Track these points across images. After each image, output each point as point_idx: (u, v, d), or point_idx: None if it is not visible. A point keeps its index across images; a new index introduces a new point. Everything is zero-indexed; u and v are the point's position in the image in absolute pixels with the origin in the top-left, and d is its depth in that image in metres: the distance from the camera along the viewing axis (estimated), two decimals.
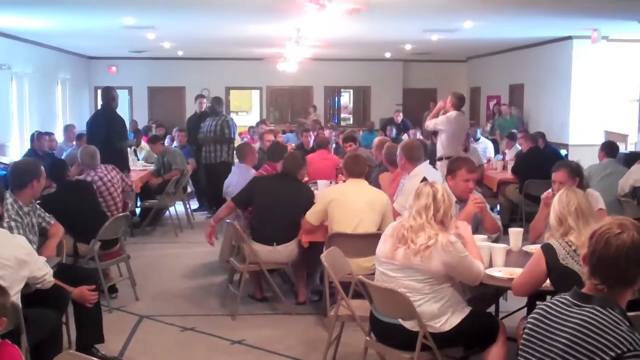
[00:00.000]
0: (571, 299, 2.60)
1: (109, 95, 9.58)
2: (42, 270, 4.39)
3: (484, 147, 13.03)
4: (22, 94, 15.66)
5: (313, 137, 12.24)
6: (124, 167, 9.08)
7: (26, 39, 15.53)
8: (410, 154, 6.65)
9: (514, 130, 13.54)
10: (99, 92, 9.73)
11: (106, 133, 9.28)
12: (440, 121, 9.76)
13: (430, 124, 10.00)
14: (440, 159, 9.59)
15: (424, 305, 4.14)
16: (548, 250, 3.86)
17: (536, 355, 2.58)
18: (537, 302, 2.81)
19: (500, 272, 4.44)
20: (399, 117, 17.50)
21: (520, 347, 2.67)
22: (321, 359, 5.20)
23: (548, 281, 3.94)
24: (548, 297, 2.85)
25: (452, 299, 4.20)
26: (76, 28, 14.09)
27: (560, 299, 2.64)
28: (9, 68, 14.69)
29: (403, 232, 4.22)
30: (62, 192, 6.68)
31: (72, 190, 6.74)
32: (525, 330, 2.66)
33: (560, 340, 2.51)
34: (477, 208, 5.34)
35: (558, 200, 4.06)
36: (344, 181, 7.14)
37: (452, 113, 9.76)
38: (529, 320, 2.68)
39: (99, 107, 10.23)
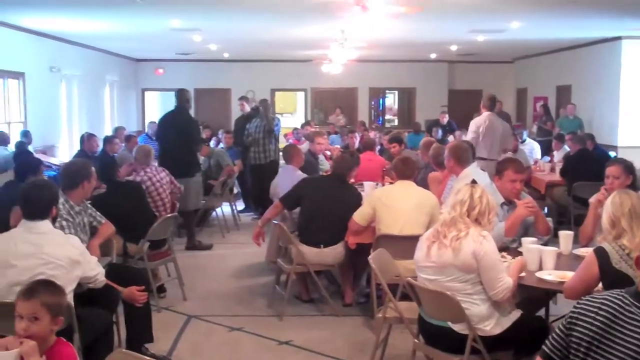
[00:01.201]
0: (633, 300, 2.57)
1: (184, 97, 9.65)
2: (94, 270, 4.45)
3: (531, 148, 12.90)
4: (71, 96, 15.92)
5: (358, 139, 12.24)
6: (193, 169, 9.26)
7: (75, 42, 15.78)
8: (458, 156, 6.61)
9: (577, 131, 13.35)
10: (174, 93, 9.75)
11: (179, 135, 9.29)
12: (470, 130, 10.04)
13: (468, 135, 10.18)
14: (483, 158, 9.58)
15: (471, 307, 4.11)
16: (601, 254, 3.81)
17: (601, 358, 2.55)
18: (580, 300, 2.74)
19: (550, 275, 4.39)
20: (445, 119, 17.39)
21: (580, 345, 2.61)
22: None
23: (600, 285, 3.88)
24: (595, 294, 2.79)
25: (497, 300, 4.17)
26: (124, 31, 14.29)
27: (620, 299, 2.60)
28: (58, 70, 14.95)
29: (438, 227, 4.28)
30: (112, 192, 6.77)
31: (122, 191, 6.83)
32: (587, 329, 2.61)
33: (631, 347, 2.48)
34: (528, 211, 5.27)
35: (611, 202, 3.98)
36: (391, 183, 7.14)
37: (483, 115, 9.76)
38: (589, 320, 2.62)
39: (167, 109, 10.29)
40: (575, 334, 2.64)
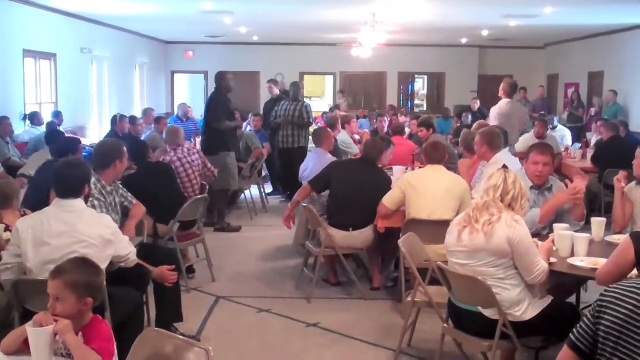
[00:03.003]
0: None
1: (218, 78, 9.72)
2: (126, 249, 4.48)
3: (562, 135, 12.78)
4: (101, 77, 16.03)
5: (387, 123, 12.21)
6: (222, 148, 9.29)
7: (106, 23, 15.86)
8: (491, 141, 6.57)
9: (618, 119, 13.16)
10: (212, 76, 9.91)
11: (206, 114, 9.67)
12: (490, 117, 9.85)
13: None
14: None
15: (502, 292, 4.09)
16: (637, 238, 3.75)
17: (630, 346, 2.51)
18: (609, 287, 2.69)
19: (582, 261, 4.35)
20: (476, 105, 17.26)
21: (609, 333, 2.58)
22: (396, 344, 5.18)
23: (634, 271, 3.84)
24: (628, 279, 2.73)
25: (529, 285, 4.15)
26: (155, 12, 14.33)
27: None
28: (89, 51, 15.04)
29: (469, 212, 4.27)
30: (142, 173, 6.81)
31: (152, 172, 6.86)
32: (616, 317, 2.57)
33: None
34: (568, 199, 5.21)
35: None
36: (420, 167, 7.12)
37: (503, 101, 9.62)
38: (617, 309, 2.58)
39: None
40: (603, 322, 2.59)
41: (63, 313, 3.02)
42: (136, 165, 7.00)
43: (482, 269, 4.11)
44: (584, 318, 2.69)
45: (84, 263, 3.27)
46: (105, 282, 4.14)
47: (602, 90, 17.22)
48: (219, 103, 9.51)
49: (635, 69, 15.79)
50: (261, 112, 13.46)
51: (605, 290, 2.66)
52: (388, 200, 6.30)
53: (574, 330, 2.72)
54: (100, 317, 3.25)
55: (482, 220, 4.12)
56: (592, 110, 16.33)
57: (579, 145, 12.51)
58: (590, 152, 10.68)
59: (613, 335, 2.56)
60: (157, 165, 7.17)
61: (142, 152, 7.00)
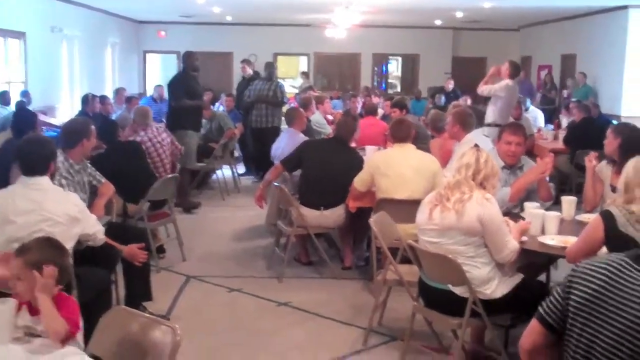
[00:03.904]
0: (635, 264, 2.52)
1: (186, 59, 9.74)
2: (94, 228, 4.41)
3: (534, 116, 12.82)
4: (72, 57, 15.83)
5: (361, 104, 12.17)
6: (181, 127, 9.21)
7: (77, 2, 15.66)
8: (463, 121, 6.55)
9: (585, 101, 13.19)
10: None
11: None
12: (500, 87, 9.62)
13: (486, 89, 9.79)
14: (489, 125, 9.44)
15: (472, 270, 4.09)
16: (607, 217, 3.76)
17: (599, 322, 2.50)
18: (579, 263, 2.68)
19: (553, 240, 4.37)
20: (450, 85, 17.29)
21: (578, 309, 2.57)
22: (367, 323, 5.18)
23: (604, 249, 3.85)
24: (598, 257, 2.72)
25: (499, 264, 4.16)
26: None
27: (620, 262, 2.56)
28: (60, 30, 14.84)
29: (441, 190, 4.26)
30: (112, 152, 6.72)
31: (122, 151, 6.78)
32: (585, 293, 2.56)
33: (631, 311, 2.43)
34: (536, 176, 5.21)
35: (633, 166, 3.87)
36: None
37: (510, 81, 9.61)
38: (588, 284, 2.57)
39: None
40: (573, 297, 2.58)
41: (24, 293, 2.98)
42: (106, 145, 6.91)
43: (453, 247, 4.11)
44: (554, 293, 2.68)
45: (48, 243, 3.21)
46: (72, 262, 4.11)
47: (575, 73, 17.30)
48: (179, 82, 9.49)
49: (606, 52, 15.87)
50: (234, 92, 13.37)
51: (576, 267, 2.65)
52: (358, 182, 6.27)
53: (543, 304, 2.71)
54: (66, 294, 3.20)
55: (454, 199, 4.11)
56: (565, 93, 16.40)
57: (552, 127, 12.58)
58: (562, 134, 10.72)
59: (583, 311, 2.55)
60: (127, 145, 7.08)
61: (112, 132, 6.91)
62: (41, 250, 3.10)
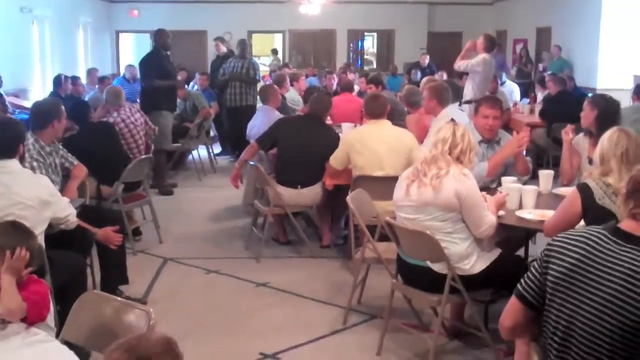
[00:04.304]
0: (612, 237, 2.50)
1: (158, 37, 9.60)
2: (66, 211, 4.33)
3: (510, 90, 12.81)
4: (43, 38, 15.56)
5: (336, 81, 12.10)
6: (155, 107, 9.05)
7: None
8: (439, 96, 6.49)
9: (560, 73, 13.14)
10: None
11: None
12: (477, 62, 9.55)
13: (462, 64, 9.71)
14: (469, 102, 9.33)
15: (451, 246, 4.06)
16: (584, 189, 3.74)
17: (578, 297, 2.48)
18: (556, 236, 2.65)
19: (530, 214, 4.35)
20: (426, 61, 17.25)
21: (556, 284, 2.54)
22: (346, 302, 5.15)
23: (582, 222, 3.84)
24: (572, 231, 2.70)
25: (477, 239, 4.13)
26: None
27: (597, 234, 2.53)
28: (30, 11, 14.57)
29: (418, 166, 4.22)
30: (85, 134, 6.60)
31: (95, 132, 6.67)
32: (563, 267, 2.53)
33: (610, 284, 2.41)
34: (512, 150, 5.18)
35: (608, 138, 3.86)
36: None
37: (486, 55, 9.55)
38: (565, 258, 2.53)
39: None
40: (550, 272, 2.56)
41: None
42: (78, 126, 6.80)
43: (430, 223, 4.07)
44: (532, 268, 2.66)
45: (12, 228, 3.14)
46: (44, 245, 4.03)
47: (550, 46, 17.29)
48: (150, 62, 9.35)
49: (580, 25, 15.86)
50: (208, 71, 13.25)
51: (553, 240, 2.63)
52: (334, 161, 6.21)
53: (522, 280, 2.69)
54: (36, 277, 3.14)
55: (431, 174, 4.07)
56: (541, 66, 16.40)
57: (528, 100, 12.58)
58: (538, 107, 10.72)
59: (561, 285, 2.52)
60: (100, 126, 6.98)
61: (84, 113, 6.78)
62: (6, 235, 3.03)
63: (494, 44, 9.97)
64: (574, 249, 2.52)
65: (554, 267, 2.54)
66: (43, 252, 3.86)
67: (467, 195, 4.02)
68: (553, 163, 9.22)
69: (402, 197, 4.22)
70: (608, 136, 3.89)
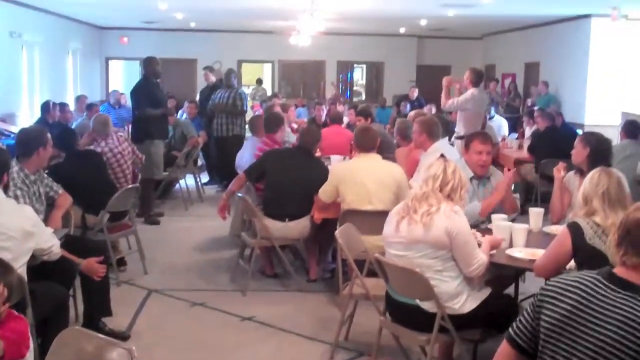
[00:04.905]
0: (607, 283, 2.45)
1: (147, 65, 9.57)
2: (49, 242, 4.25)
3: (499, 125, 12.81)
4: (32, 63, 15.50)
5: (325, 112, 12.08)
6: (146, 136, 9.03)
7: (37, 7, 15.33)
8: (429, 130, 6.47)
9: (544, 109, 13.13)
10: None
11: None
12: (465, 99, 9.26)
13: (449, 104, 9.36)
14: (462, 137, 9.16)
15: (440, 285, 4.00)
16: (575, 229, 3.71)
17: (573, 344, 2.42)
18: (549, 280, 2.59)
19: (521, 252, 4.30)
20: (415, 94, 17.30)
21: (550, 330, 2.48)
22: (333, 338, 5.06)
23: (572, 262, 3.80)
24: (567, 273, 2.65)
25: (467, 278, 4.07)
26: None
27: (592, 280, 2.48)
28: (19, 36, 14.52)
29: (408, 202, 4.17)
30: (71, 161, 6.54)
31: (81, 160, 6.60)
32: (557, 313, 2.47)
33: (606, 332, 2.35)
34: (504, 192, 5.15)
35: (589, 179, 3.88)
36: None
37: (474, 90, 9.41)
38: (559, 304, 2.48)
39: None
40: (544, 317, 2.50)
41: None
42: (65, 154, 6.72)
43: (420, 260, 4.02)
44: (524, 312, 2.60)
45: None
46: (26, 277, 3.95)
47: (539, 81, 17.39)
48: (141, 90, 9.30)
49: (570, 60, 15.98)
50: (197, 99, 13.22)
51: (546, 284, 2.57)
52: (323, 194, 6.15)
53: (513, 324, 2.63)
54: (16, 313, 3.06)
55: (421, 211, 4.02)
56: (529, 101, 16.47)
57: (516, 135, 12.60)
58: (526, 143, 10.72)
59: (555, 332, 2.46)
60: (86, 154, 6.90)
61: (70, 140, 6.73)
62: None
63: (481, 77, 9.82)
64: (569, 294, 2.47)
65: (548, 312, 2.48)
66: (24, 285, 3.78)
67: (458, 233, 3.97)
68: (541, 199, 9.19)
69: (392, 233, 4.17)
70: (589, 177, 3.92)
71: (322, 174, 6.43)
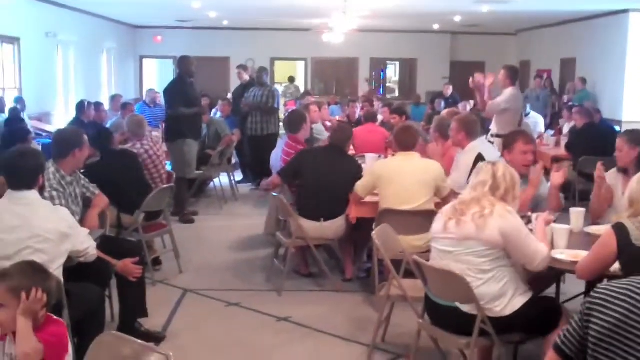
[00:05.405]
0: None
1: (181, 64, 9.54)
2: (85, 244, 4.24)
3: (535, 122, 12.65)
4: (67, 63, 15.66)
5: (359, 109, 12.01)
6: (179, 135, 9.04)
7: (72, 7, 15.47)
8: (468, 128, 6.38)
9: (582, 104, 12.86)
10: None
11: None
12: (506, 100, 8.93)
13: (493, 107, 8.91)
14: (499, 136, 8.92)
15: (484, 286, 3.91)
16: (620, 229, 3.59)
17: (624, 355, 2.33)
18: (597, 287, 2.49)
19: (563, 254, 4.20)
20: (449, 91, 17.15)
21: (599, 340, 2.39)
22: (369, 339, 5.01)
23: (616, 265, 3.69)
24: (615, 282, 2.54)
25: (513, 280, 3.97)
26: None
27: None
28: (54, 36, 14.66)
29: (456, 205, 4.09)
30: (107, 161, 6.53)
31: (117, 160, 6.60)
32: (607, 322, 2.38)
33: None
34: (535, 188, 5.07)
35: (637, 180, 3.76)
36: (393, 155, 6.92)
37: (512, 89, 9.08)
38: (609, 312, 2.38)
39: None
40: (592, 326, 2.40)
41: (7, 321, 2.83)
42: (100, 154, 6.73)
43: (469, 258, 3.92)
44: (572, 321, 2.50)
45: (30, 268, 3.04)
46: (62, 279, 3.94)
47: (575, 77, 17.15)
48: (174, 89, 9.28)
49: (606, 56, 15.75)
50: (229, 97, 13.22)
51: (594, 292, 2.47)
52: (360, 188, 6.10)
53: (561, 334, 2.54)
54: (54, 317, 3.04)
55: (471, 212, 3.93)
56: (565, 98, 16.25)
57: (552, 132, 12.42)
58: (564, 140, 10.56)
59: (604, 342, 2.37)
60: (123, 153, 6.89)
61: (107, 140, 6.72)
62: (23, 275, 2.93)
63: (517, 73, 9.55)
64: (618, 302, 2.37)
65: (597, 321, 2.39)
66: (62, 288, 3.76)
67: (512, 231, 3.90)
68: (580, 197, 9.04)
69: (441, 230, 4.08)
70: (637, 179, 3.77)
71: (355, 172, 6.40)
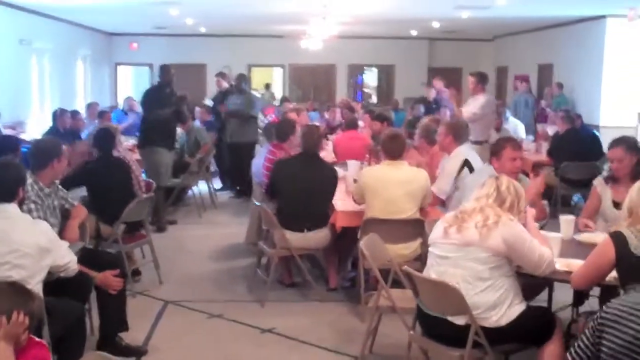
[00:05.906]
0: None
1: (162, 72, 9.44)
2: (66, 258, 4.10)
3: (514, 127, 12.62)
4: (42, 70, 15.42)
5: (339, 113, 11.95)
6: (150, 143, 8.96)
7: (46, 14, 15.24)
8: (456, 133, 6.30)
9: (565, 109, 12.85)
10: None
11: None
12: (482, 106, 8.98)
13: (470, 115, 8.90)
14: (476, 142, 8.88)
15: (481, 294, 3.82)
16: (618, 238, 3.52)
17: None
18: (609, 303, 2.42)
19: (556, 263, 4.12)
20: (432, 94, 17.06)
21: (613, 356, 2.32)
22: (357, 350, 4.93)
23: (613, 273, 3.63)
24: (627, 299, 2.47)
25: (510, 290, 3.89)
26: (98, 3, 13.80)
27: None
28: (29, 44, 14.43)
29: (457, 213, 4.03)
30: (103, 164, 6.48)
31: (112, 166, 6.51)
32: (621, 339, 2.31)
33: None
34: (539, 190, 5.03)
35: (637, 189, 3.70)
36: (376, 162, 6.85)
37: (485, 95, 9.15)
38: (622, 329, 2.31)
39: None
40: (605, 343, 2.33)
41: None
42: (99, 155, 6.59)
43: (470, 264, 3.84)
44: (583, 337, 2.43)
45: (12, 289, 2.91)
46: (42, 294, 3.80)
47: (552, 82, 17.19)
48: (150, 95, 9.26)
49: (583, 62, 15.78)
50: (206, 102, 13.18)
51: (606, 308, 2.40)
52: (356, 196, 6.06)
53: (572, 349, 2.47)
54: (36, 339, 2.92)
55: (474, 221, 3.86)
56: (543, 103, 16.26)
57: (532, 137, 12.42)
58: (544, 145, 10.54)
59: (617, 358, 2.30)
60: (118, 162, 6.71)
61: (108, 143, 6.63)
62: (3, 298, 2.80)
63: (486, 78, 9.54)
64: (633, 319, 2.30)
65: (611, 337, 2.32)
66: (41, 302, 3.63)
67: (517, 240, 3.84)
68: (562, 202, 9.02)
69: (441, 236, 3.99)
70: (637, 187, 3.71)
71: (331, 176, 6.41)
